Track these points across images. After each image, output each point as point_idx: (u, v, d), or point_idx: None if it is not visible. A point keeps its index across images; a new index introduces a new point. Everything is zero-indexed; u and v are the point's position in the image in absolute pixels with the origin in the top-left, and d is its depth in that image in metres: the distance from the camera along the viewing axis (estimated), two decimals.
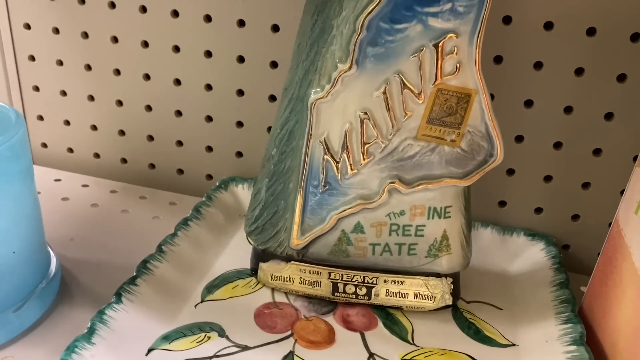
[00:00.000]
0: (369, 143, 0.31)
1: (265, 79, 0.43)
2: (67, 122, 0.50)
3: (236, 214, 0.44)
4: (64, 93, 0.49)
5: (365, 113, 0.31)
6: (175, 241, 0.38)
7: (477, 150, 0.31)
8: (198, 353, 0.31)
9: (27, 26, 0.47)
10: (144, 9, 0.43)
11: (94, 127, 0.49)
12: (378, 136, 0.31)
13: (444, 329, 0.34)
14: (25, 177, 0.32)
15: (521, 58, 0.38)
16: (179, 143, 0.48)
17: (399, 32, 0.29)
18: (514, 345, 0.34)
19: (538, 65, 0.38)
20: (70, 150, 0.51)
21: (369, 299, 0.35)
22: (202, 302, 0.35)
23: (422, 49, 0.29)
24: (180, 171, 0.49)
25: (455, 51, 0.29)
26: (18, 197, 0.31)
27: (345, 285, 0.35)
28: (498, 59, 0.39)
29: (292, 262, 0.35)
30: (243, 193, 0.45)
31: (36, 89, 0.49)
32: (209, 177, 0.48)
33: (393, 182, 0.32)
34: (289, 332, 0.33)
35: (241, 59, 0.43)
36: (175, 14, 0.43)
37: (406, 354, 0.32)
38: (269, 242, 0.35)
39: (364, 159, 0.32)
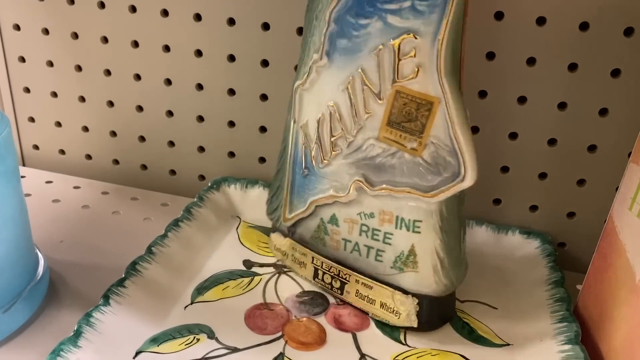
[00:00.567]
0: (335, 136, 0.32)
1: (257, 78, 0.43)
2: (59, 124, 0.49)
3: (228, 214, 0.43)
4: (54, 94, 0.48)
5: (334, 105, 0.31)
6: (166, 242, 0.37)
7: (443, 165, 0.29)
8: (187, 356, 0.31)
9: (17, 27, 0.46)
10: (133, 9, 0.43)
11: (85, 129, 0.49)
12: (343, 130, 0.32)
13: (437, 329, 0.34)
14: (11, 178, 0.31)
15: (514, 54, 0.38)
16: (171, 144, 0.47)
17: (362, 27, 0.29)
18: (508, 344, 0.33)
19: (531, 61, 0.38)
20: (62, 151, 0.50)
21: (342, 294, 0.35)
22: (192, 303, 0.35)
23: (381, 47, 0.29)
24: (173, 172, 0.48)
25: (414, 53, 0.28)
26: (3, 199, 0.30)
27: (324, 273, 0.36)
28: (490, 55, 0.38)
29: (288, 238, 0.37)
30: (235, 193, 0.44)
31: (27, 90, 0.49)
32: (202, 177, 0.48)
33: (360, 181, 0.32)
34: (279, 334, 0.33)
35: (232, 58, 0.43)
36: (165, 13, 0.43)
37: (398, 355, 0.32)
38: (274, 213, 0.38)
39: (332, 151, 0.32)
